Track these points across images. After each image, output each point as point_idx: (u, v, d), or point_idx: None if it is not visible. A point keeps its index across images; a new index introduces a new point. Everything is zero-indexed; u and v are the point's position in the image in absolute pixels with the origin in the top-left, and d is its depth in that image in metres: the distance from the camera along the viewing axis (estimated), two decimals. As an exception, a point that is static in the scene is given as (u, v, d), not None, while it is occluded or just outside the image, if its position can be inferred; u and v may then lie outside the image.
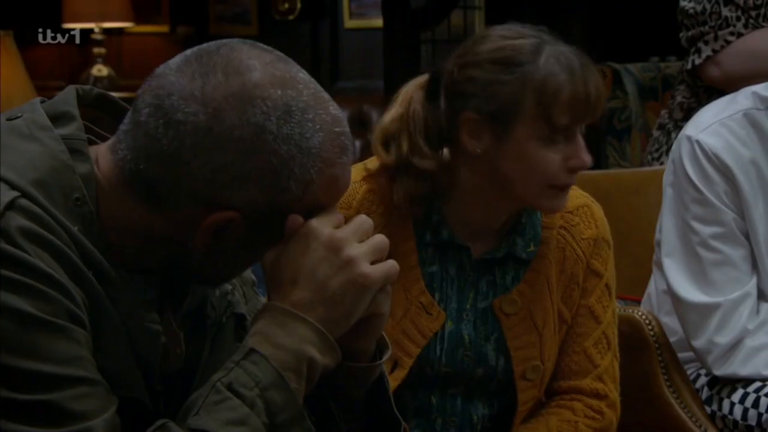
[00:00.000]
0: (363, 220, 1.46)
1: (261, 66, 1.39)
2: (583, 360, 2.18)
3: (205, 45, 1.42)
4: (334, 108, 1.43)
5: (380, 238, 1.46)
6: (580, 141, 2.03)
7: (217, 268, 1.46)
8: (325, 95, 1.43)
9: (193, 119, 1.36)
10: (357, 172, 2.14)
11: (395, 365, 2.12)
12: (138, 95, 1.40)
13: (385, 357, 1.54)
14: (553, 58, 2.01)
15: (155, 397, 1.45)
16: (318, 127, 1.40)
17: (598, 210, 2.21)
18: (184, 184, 1.37)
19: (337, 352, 1.43)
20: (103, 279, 1.37)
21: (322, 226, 1.42)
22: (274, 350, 1.39)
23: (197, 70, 1.38)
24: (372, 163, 2.16)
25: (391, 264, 1.45)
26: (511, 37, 2.04)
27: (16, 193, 1.33)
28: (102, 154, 1.42)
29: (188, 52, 1.41)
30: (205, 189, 1.37)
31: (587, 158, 2.03)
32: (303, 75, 1.42)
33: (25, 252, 1.30)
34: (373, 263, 1.44)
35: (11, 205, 1.32)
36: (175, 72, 1.39)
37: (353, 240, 1.43)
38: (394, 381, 2.10)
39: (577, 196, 2.18)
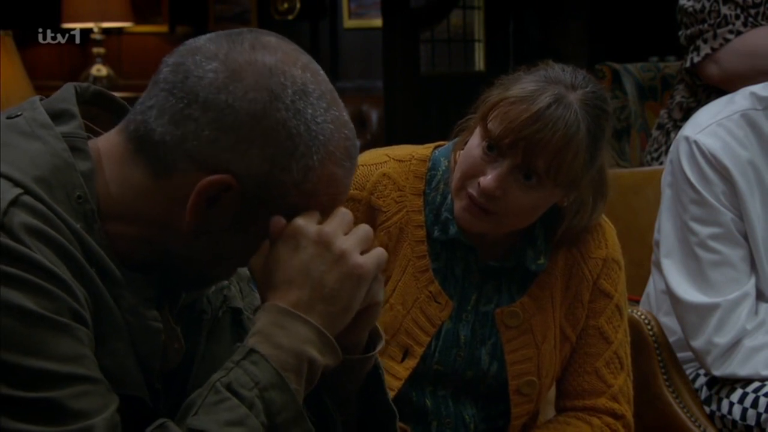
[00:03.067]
0: (344, 213, 1.46)
1: (287, 49, 1.42)
2: (596, 380, 2.19)
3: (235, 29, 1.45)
4: (347, 115, 1.45)
5: (365, 228, 1.46)
6: (502, 171, 2.00)
7: (203, 259, 1.44)
8: (341, 102, 1.45)
9: (211, 75, 1.37)
10: (376, 155, 2.18)
11: (406, 353, 2.13)
12: (163, 61, 1.42)
13: (379, 347, 1.54)
14: (542, 94, 1.98)
15: (155, 395, 1.45)
16: (330, 119, 1.41)
17: (610, 230, 2.21)
18: (187, 144, 1.37)
19: (337, 352, 1.43)
20: (105, 277, 1.37)
21: (308, 223, 1.42)
22: (274, 350, 1.38)
23: (225, 40, 1.41)
24: (395, 151, 2.19)
25: (381, 251, 1.45)
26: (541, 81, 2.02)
27: (19, 190, 1.33)
28: (107, 137, 1.43)
29: (219, 32, 1.44)
30: (207, 150, 1.37)
31: (490, 184, 2.00)
32: (323, 74, 1.44)
33: (29, 249, 1.30)
34: (361, 253, 1.44)
35: (15, 202, 1.32)
36: (204, 40, 1.42)
37: (340, 233, 1.43)
38: (405, 370, 2.12)
39: None
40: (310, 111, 1.39)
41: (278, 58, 1.40)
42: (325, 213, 1.44)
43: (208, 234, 1.41)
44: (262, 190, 1.39)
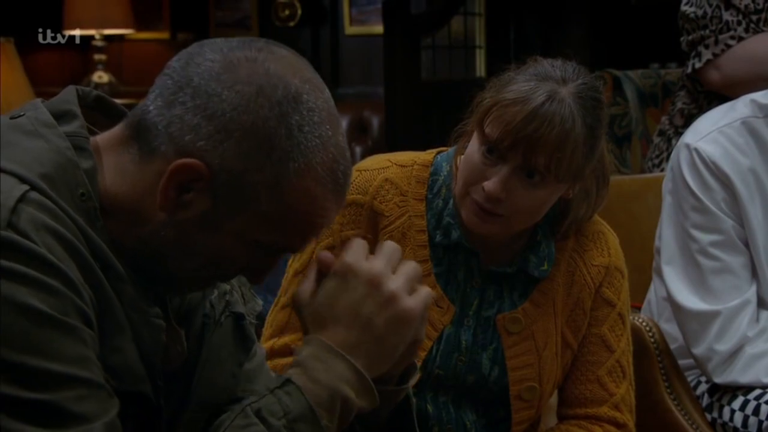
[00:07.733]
0: (393, 249, 1.47)
1: (293, 61, 1.42)
2: (598, 388, 2.19)
3: None
4: (344, 141, 1.43)
5: (413, 267, 1.47)
6: (504, 174, 2.00)
7: (171, 253, 1.42)
8: (341, 127, 1.43)
9: (208, 65, 1.39)
10: (378, 161, 2.19)
11: None
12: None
13: (412, 380, 1.55)
14: (534, 92, 1.98)
15: (156, 393, 1.45)
16: (318, 134, 1.39)
17: (613, 239, 2.21)
18: (172, 128, 1.38)
19: (374, 396, 1.43)
20: (109, 273, 1.38)
21: (358, 261, 1.43)
22: (311, 384, 1.40)
23: (238, 41, 1.43)
24: (397, 156, 2.19)
25: (427, 292, 1.46)
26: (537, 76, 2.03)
27: (26, 187, 1.34)
28: (109, 131, 1.44)
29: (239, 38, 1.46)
30: (187, 135, 1.37)
31: (494, 188, 2.00)
32: (328, 94, 1.43)
33: (37, 245, 1.30)
34: (409, 293, 1.45)
35: (23, 198, 1.32)
36: (219, 39, 1.44)
37: (389, 272, 1.44)
38: None
39: (594, 222, 2.19)
40: (296, 118, 1.38)
41: (281, 64, 1.40)
42: (302, 233, 1.43)
43: (178, 226, 1.40)
44: (234, 188, 1.38)
